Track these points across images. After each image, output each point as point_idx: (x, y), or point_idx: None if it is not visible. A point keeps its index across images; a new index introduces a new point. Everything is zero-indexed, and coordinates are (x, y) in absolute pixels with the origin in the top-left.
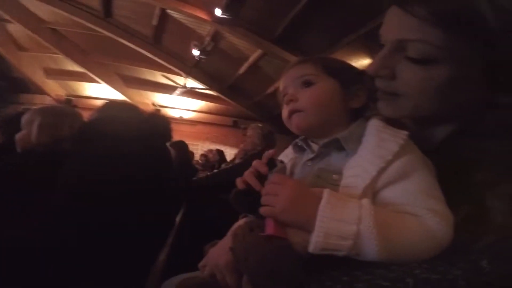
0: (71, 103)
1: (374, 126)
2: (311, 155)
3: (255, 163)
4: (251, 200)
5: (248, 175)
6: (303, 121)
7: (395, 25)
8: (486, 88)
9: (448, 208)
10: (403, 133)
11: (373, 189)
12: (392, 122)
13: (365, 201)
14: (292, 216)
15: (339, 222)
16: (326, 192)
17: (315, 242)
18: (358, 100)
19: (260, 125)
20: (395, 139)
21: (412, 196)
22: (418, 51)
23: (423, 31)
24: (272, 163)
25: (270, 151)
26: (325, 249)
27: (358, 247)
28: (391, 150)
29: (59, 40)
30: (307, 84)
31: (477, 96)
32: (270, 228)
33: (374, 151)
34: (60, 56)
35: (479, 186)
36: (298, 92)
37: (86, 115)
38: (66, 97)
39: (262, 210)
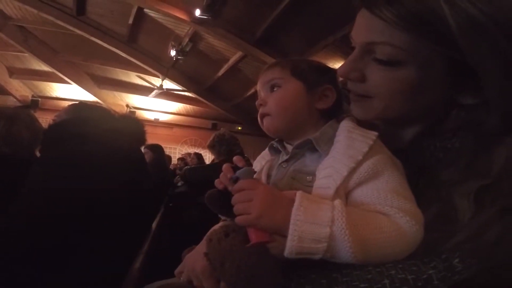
0: (37, 104)
1: (344, 126)
2: (285, 157)
3: (223, 167)
4: (224, 201)
5: (222, 177)
6: (271, 125)
7: (363, 28)
8: (450, 89)
9: (417, 207)
10: (373, 134)
11: (345, 189)
12: (363, 123)
13: (338, 202)
14: (269, 222)
15: (312, 225)
16: (298, 195)
17: (290, 247)
18: (326, 101)
19: (217, 132)
20: (365, 139)
21: (383, 195)
22: (385, 54)
23: (389, 33)
24: (238, 168)
25: (237, 157)
26: (300, 253)
27: (333, 249)
28: (361, 151)
29: (26, 38)
30: (275, 87)
31: (442, 97)
32: (253, 237)
33: (345, 151)
34: (26, 55)
35: (445, 184)
36: (268, 96)
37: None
38: (32, 98)
39: (237, 219)
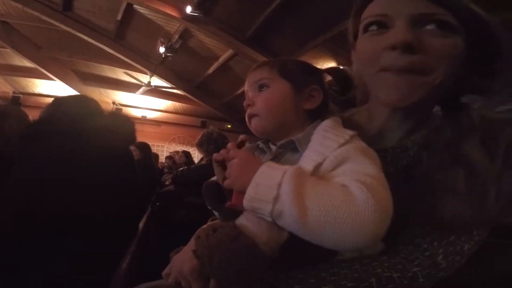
0: (19, 101)
1: (322, 126)
2: (270, 157)
3: (228, 145)
4: (219, 192)
5: (223, 150)
6: (259, 125)
7: (406, 4)
8: (465, 69)
9: (384, 188)
10: (348, 134)
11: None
12: (346, 122)
13: (295, 167)
14: (242, 182)
15: (269, 176)
16: (269, 161)
17: (247, 191)
18: (312, 101)
19: (205, 130)
20: (337, 138)
21: (347, 172)
22: (444, 21)
23: (436, 7)
24: (243, 145)
25: (243, 135)
26: (254, 199)
27: (280, 200)
28: (330, 147)
29: (9, 33)
30: (263, 87)
31: (460, 74)
32: (233, 200)
33: (315, 148)
34: (8, 50)
35: (428, 179)
36: (255, 96)
37: (37, 114)
38: (13, 95)
39: (225, 182)
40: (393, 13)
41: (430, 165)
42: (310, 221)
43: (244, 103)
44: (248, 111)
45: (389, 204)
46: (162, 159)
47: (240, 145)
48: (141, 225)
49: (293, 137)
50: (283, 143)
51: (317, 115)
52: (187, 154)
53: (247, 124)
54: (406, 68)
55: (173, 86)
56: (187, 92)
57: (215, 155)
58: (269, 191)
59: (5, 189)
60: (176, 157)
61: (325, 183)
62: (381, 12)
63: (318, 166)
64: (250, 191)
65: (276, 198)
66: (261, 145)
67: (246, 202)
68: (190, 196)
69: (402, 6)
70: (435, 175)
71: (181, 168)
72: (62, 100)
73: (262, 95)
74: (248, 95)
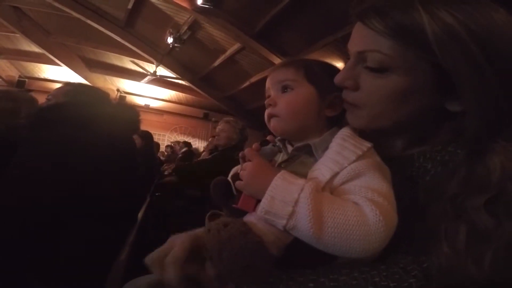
0: (24, 85)
1: (340, 134)
2: (285, 157)
3: (254, 144)
4: (227, 190)
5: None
6: (278, 126)
7: (357, 38)
8: (437, 96)
9: (393, 209)
10: (365, 145)
11: (330, 189)
12: (363, 132)
13: (311, 182)
14: (253, 189)
15: (285, 191)
16: (283, 170)
17: (262, 204)
18: (334, 108)
19: (233, 119)
20: (355, 149)
21: (358, 189)
22: (375, 61)
23: (378, 42)
24: (265, 144)
25: (270, 136)
26: (268, 212)
27: (296, 216)
28: (348, 159)
29: (20, 19)
30: (286, 89)
31: (430, 104)
32: (240, 202)
33: (333, 157)
34: (17, 35)
35: (452, 199)
36: (278, 96)
37: (41, 98)
38: (18, 79)
39: (236, 183)
40: (349, 48)
41: (434, 210)
42: (324, 237)
43: (266, 102)
44: (269, 110)
45: (395, 222)
46: (163, 148)
47: (263, 144)
48: (139, 215)
49: (310, 142)
50: (299, 146)
51: (336, 122)
52: (188, 144)
53: (266, 122)
54: (346, 102)
55: (178, 76)
56: (192, 83)
57: (241, 153)
58: (284, 207)
59: (10, 174)
60: (177, 148)
61: (340, 202)
62: (348, 44)
63: (334, 176)
64: (265, 204)
65: (292, 215)
66: (278, 143)
67: (260, 214)
68: (189, 189)
69: (354, 42)
70: (436, 221)
71: (184, 163)
72: (69, 88)
73: (286, 97)
74: (269, 92)
